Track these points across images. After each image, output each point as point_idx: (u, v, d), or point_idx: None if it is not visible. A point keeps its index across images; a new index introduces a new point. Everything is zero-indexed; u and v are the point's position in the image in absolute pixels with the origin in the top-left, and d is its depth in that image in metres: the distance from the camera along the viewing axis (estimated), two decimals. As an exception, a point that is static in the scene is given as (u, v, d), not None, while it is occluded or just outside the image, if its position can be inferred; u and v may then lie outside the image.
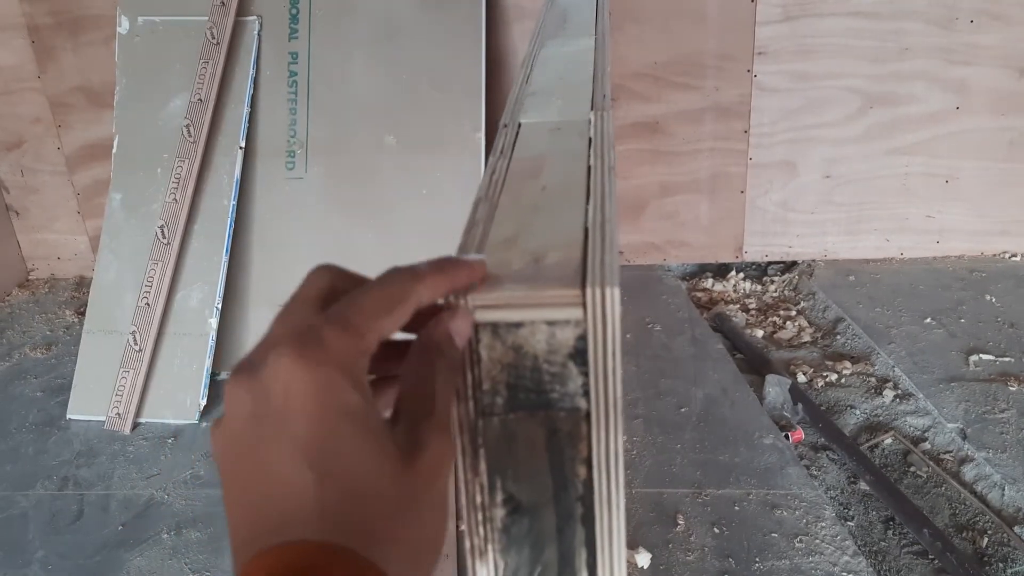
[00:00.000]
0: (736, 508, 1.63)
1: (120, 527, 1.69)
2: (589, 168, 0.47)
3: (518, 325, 0.36)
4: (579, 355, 0.36)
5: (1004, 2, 2.16)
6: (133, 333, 2.01)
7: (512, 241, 0.40)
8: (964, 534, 1.60)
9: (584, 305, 0.35)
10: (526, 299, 0.36)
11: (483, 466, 0.39)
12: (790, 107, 2.35)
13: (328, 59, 2.12)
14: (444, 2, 2.10)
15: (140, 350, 2.00)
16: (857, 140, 2.36)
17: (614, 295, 0.35)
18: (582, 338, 0.36)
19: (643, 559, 1.51)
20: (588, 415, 0.37)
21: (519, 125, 0.56)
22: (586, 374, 0.36)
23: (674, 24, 2.29)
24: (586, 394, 0.37)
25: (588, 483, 0.39)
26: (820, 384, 2.03)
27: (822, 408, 1.94)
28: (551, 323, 0.36)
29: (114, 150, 2.15)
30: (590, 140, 0.51)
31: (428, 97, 2.09)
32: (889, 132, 2.34)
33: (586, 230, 0.40)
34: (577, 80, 0.63)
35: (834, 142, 2.37)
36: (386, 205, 2.07)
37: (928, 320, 2.19)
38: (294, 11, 2.12)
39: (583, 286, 0.35)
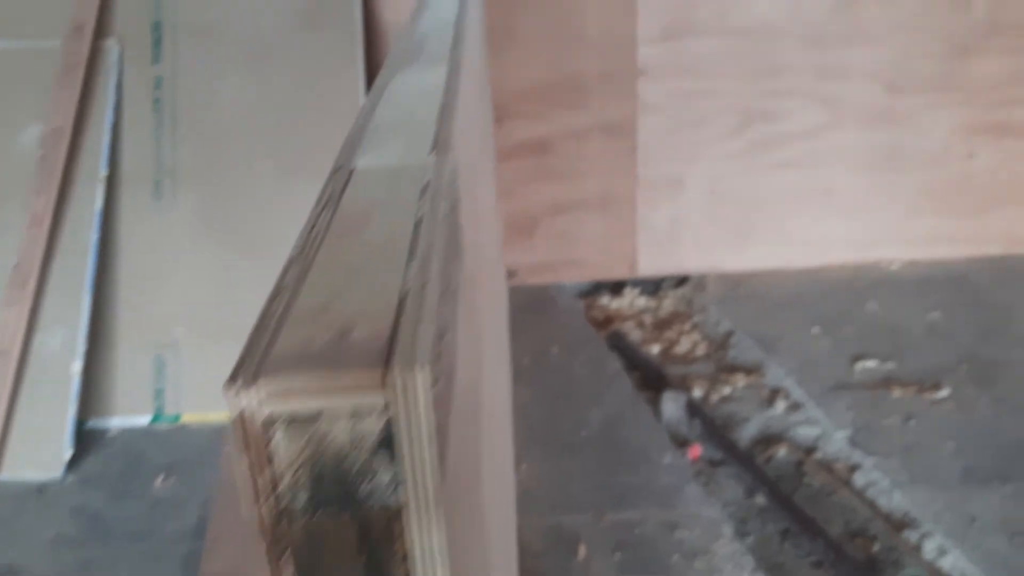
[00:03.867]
0: (637, 531, 1.60)
1: (-29, 601, 1.53)
2: (419, 220, 0.42)
3: (316, 415, 0.30)
4: (387, 445, 0.31)
5: (869, 21, 2.24)
6: (-14, 383, 1.84)
7: (321, 311, 0.34)
8: (856, 541, 1.62)
9: (389, 389, 0.30)
10: (323, 384, 0.30)
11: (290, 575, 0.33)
12: (674, 123, 2.37)
13: (196, 82, 2.01)
14: (319, 22, 2.02)
15: (-5, 402, 1.83)
16: (740, 155, 2.40)
17: (423, 377, 0.29)
18: (389, 426, 0.30)
19: (543, 594, 1.47)
20: (402, 511, 0.32)
21: (351, 170, 0.50)
22: (396, 466, 0.31)
23: (556, 44, 2.28)
24: (397, 488, 0.31)
25: (413, 586, 0.33)
26: (715, 398, 2.04)
27: (718, 422, 1.94)
28: (353, 412, 0.30)
29: (-40, 184, 1.98)
30: (427, 185, 0.46)
31: (306, 120, 2.00)
32: (769, 147, 2.39)
33: (402, 296, 0.35)
34: (427, 117, 0.57)
35: (718, 157, 2.41)
36: (264, 234, 1.97)
37: (815, 329, 2.23)
38: (157, 34, 2.00)
39: (386, 367, 0.29)
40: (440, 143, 0.52)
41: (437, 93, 0.62)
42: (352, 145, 0.54)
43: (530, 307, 2.43)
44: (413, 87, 0.65)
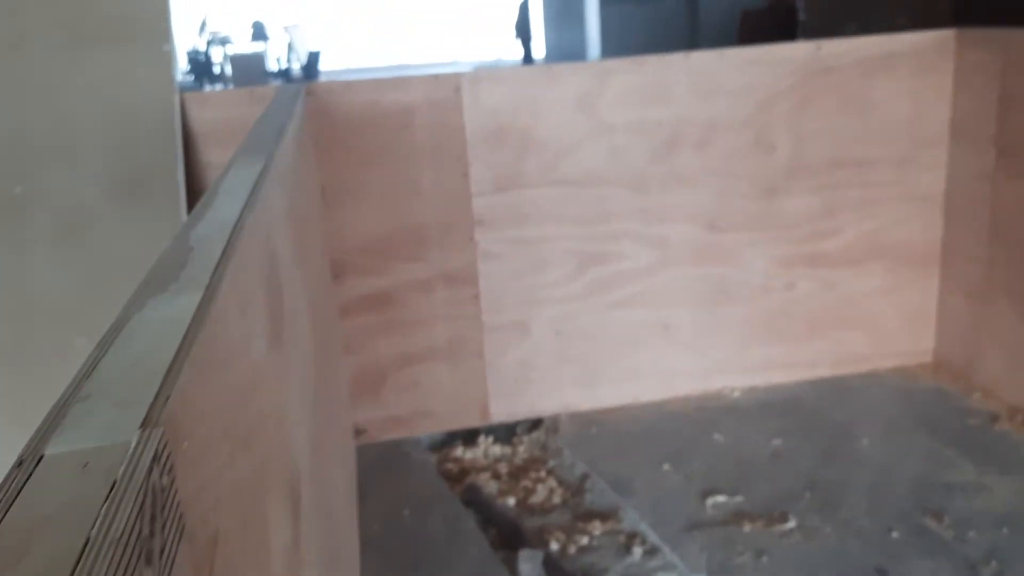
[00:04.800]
0: None
1: None
2: (87, 541, 0.35)
3: None
4: None
5: (684, 168, 2.39)
6: None
7: None
8: None
9: None
10: None
11: None
12: (514, 270, 2.41)
13: (3, 260, 1.88)
14: (139, 191, 1.96)
15: None
16: (580, 297, 2.46)
17: None
18: None
19: None
20: None
21: (40, 458, 0.43)
22: None
23: (392, 199, 2.30)
24: None
25: None
26: (573, 550, 1.98)
27: (577, 577, 1.88)
28: None
29: None
30: (114, 484, 0.39)
31: (125, 292, 1.89)
32: (607, 287, 2.46)
33: None
34: (155, 369, 0.51)
35: (559, 300, 2.45)
36: (78, 420, 1.81)
37: (666, 466, 2.24)
38: (-46, 211, 1.87)
39: None
40: (152, 415, 0.46)
41: (178, 333, 0.57)
42: (55, 417, 0.47)
43: (380, 466, 2.34)
44: (154, 324, 0.60)
